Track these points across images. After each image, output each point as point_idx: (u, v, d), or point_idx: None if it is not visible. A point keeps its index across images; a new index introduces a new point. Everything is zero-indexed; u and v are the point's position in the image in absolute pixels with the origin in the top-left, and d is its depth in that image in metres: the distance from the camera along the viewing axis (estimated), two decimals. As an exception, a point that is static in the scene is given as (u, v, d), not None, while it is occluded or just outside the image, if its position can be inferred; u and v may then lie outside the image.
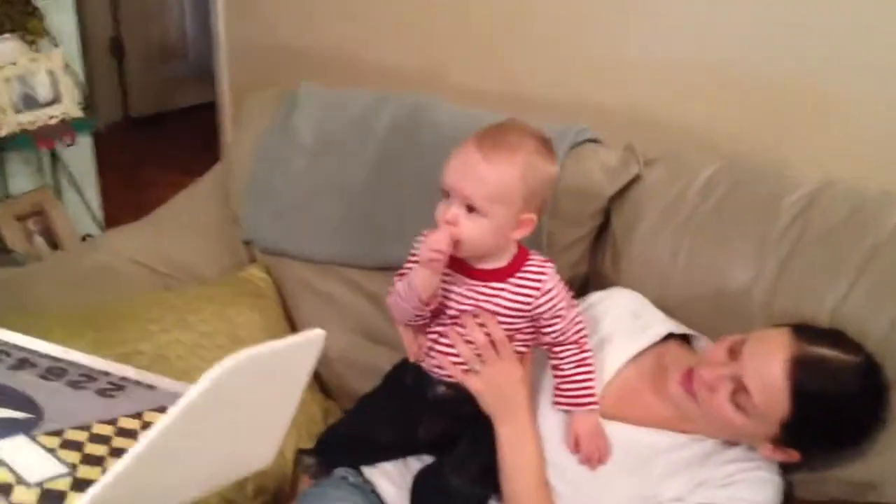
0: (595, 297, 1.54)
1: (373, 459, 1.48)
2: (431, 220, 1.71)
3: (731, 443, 1.32)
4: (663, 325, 1.47)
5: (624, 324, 1.46)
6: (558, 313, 1.33)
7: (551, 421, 1.37)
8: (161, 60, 4.76)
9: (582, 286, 1.68)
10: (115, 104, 4.66)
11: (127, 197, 3.68)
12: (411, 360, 1.41)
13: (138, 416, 0.91)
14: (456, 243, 1.23)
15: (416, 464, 1.44)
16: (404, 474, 1.44)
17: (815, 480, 1.32)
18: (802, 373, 1.21)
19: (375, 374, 1.70)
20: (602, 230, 1.69)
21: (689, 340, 1.49)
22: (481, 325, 1.31)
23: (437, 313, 1.34)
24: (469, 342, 1.32)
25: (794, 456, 1.27)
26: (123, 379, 0.96)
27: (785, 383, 1.21)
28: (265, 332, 1.73)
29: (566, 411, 1.36)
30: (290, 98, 1.92)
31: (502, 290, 1.31)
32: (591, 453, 1.32)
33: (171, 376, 1.01)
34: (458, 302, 1.32)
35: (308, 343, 0.80)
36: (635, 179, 1.65)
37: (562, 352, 1.36)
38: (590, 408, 1.34)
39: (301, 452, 1.57)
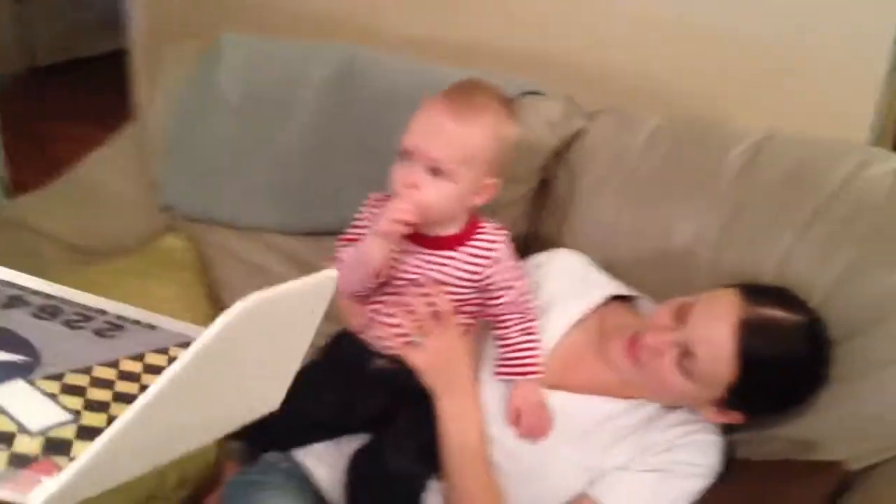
0: (537, 259, 1.47)
1: (305, 441, 1.40)
2: (369, 182, 1.62)
3: (673, 406, 1.29)
4: (606, 286, 1.42)
5: (567, 287, 1.41)
6: (509, 283, 1.28)
7: (490, 393, 1.32)
8: (68, 5, 4.47)
9: (523, 246, 1.61)
10: (18, 53, 4.39)
11: (34, 154, 3.48)
12: (354, 331, 1.34)
13: (140, 357, 0.87)
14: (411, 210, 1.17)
15: (350, 445, 1.36)
16: (337, 456, 1.36)
17: (756, 440, 1.30)
18: (750, 337, 1.17)
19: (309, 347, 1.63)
20: (544, 187, 1.62)
21: (633, 302, 1.44)
22: (426, 295, 1.25)
23: (382, 283, 1.27)
24: (412, 313, 1.25)
25: (737, 418, 1.25)
26: (121, 318, 0.92)
27: (733, 348, 1.17)
28: (187, 306, 1.62)
29: (508, 380, 1.30)
30: (212, 51, 1.79)
31: (452, 258, 1.26)
32: (533, 426, 1.27)
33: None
34: (405, 271, 1.26)
35: (320, 284, 0.77)
36: (579, 134, 1.59)
37: (508, 321, 1.30)
38: (533, 376, 1.29)
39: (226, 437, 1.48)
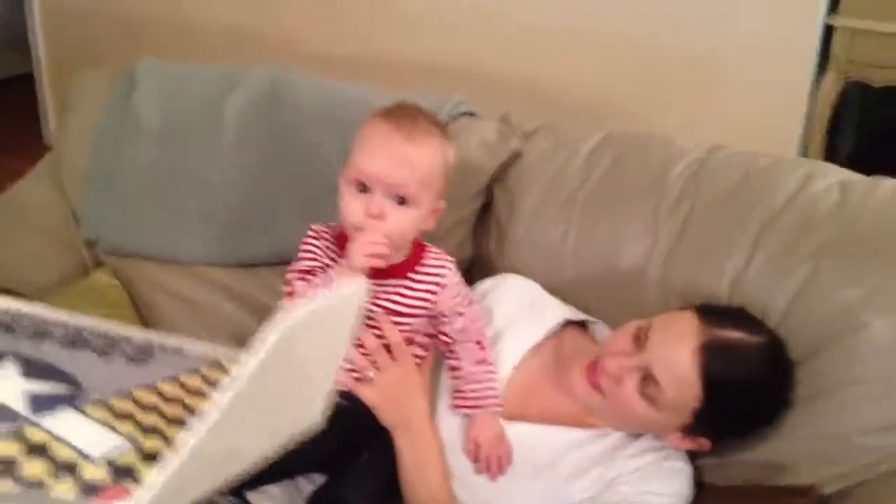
0: (485, 285, 1.44)
1: (257, 482, 1.34)
2: (301, 207, 1.57)
3: (637, 434, 1.26)
4: (559, 311, 1.40)
5: (518, 313, 1.38)
6: (459, 310, 1.25)
7: (447, 424, 1.28)
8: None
9: (466, 272, 1.58)
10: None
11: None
12: None
13: (175, 380, 0.91)
14: (382, 256, 1.14)
15: (307, 485, 1.31)
16: (294, 497, 1.30)
17: (723, 465, 1.28)
18: (712, 360, 1.16)
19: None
20: (484, 211, 1.59)
21: (587, 327, 1.42)
22: (374, 327, 1.21)
23: None
24: (361, 347, 1.21)
25: (704, 444, 1.23)
26: (147, 343, 0.97)
27: (696, 372, 1.15)
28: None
29: (466, 414, 1.26)
30: (127, 78, 1.71)
31: (401, 286, 1.22)
32: (491, 460, 1.24)
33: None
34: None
35: (351, 295, 0.80)
36: (515, 154, 1.56)
37: (461, 351, 1.27)
38: (493, 409, 1.26)
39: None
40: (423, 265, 1.24)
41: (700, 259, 1.37)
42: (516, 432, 1.26)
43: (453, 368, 1.27)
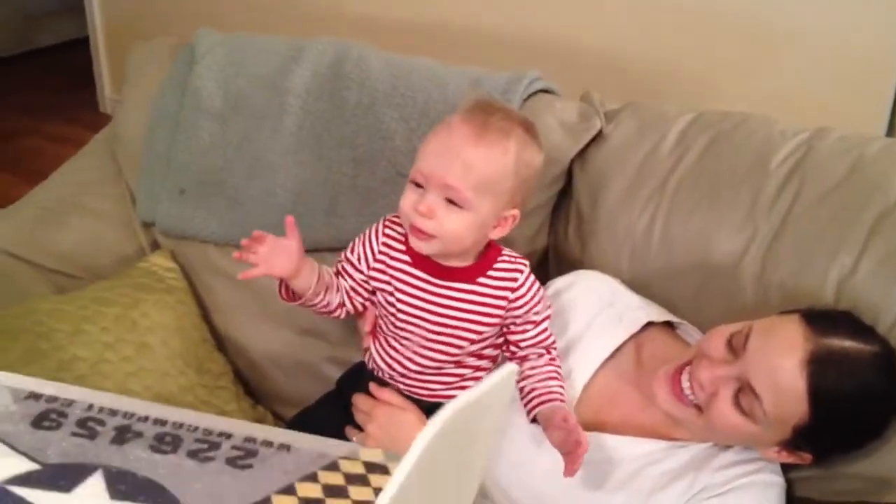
0: (559, 283, 1.33)
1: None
2: (367, 192, 1.48)
3: (726, 445, 1.16)
4: (642, 312, 1.28)
5: (597, 316, 1.27)
6: (532, 318, 1.16)
7: (519, 441, 1.20)
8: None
9: (541, 262, 1.49)
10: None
11: (-4, 150, 3.29)
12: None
13: (291, 491, 0.81)
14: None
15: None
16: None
17: (822, 478, 1.18)
18: (822, 372, 1.04)
19: (309, 374, 1.50)
20: (562, 198, 1.48)
21: (673, 327, 1.31)
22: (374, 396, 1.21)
23: (389, 313, 1.19)
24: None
25: (805, 459, 1.12)
26: (249, 440, 0.88)
27: (802, 386, 1.04)
28: (178, 336, 1.47)
29: (539, 413, 1.15)
30: (187, 50, 1.63)
31: (472, 292, 1.14)
32: (576, 444, 1.08)
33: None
34: (415, 306, 1.15)
35: (503, 381, 0.74)
36: (599, 136, 1.45)
37: (531, 361, 1.19)
38: (561, 404, 1.14)
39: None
40: (496, 269, 1.16)
41: (803, 256, 1.24)
42: (595, 442, 1.16)
43: (522, 380, 1.18)
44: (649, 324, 1.28)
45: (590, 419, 1.19)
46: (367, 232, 1.21)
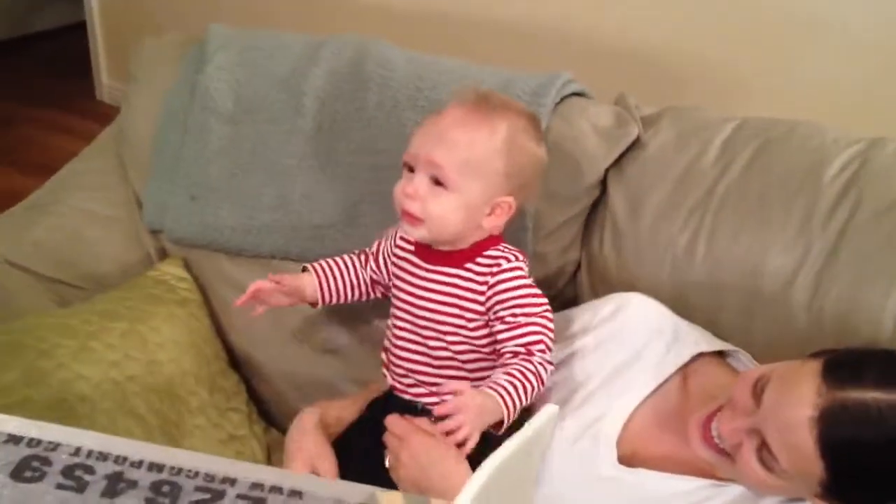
0: (602, 311, 1.23)
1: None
2: (386, 203, 1.42)
3: None
4: (690, 340, 1.20)
5: (644, 347, 1.18)
6: (503, 313, 1.09)
7: (560, 473, 1.11)
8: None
9: (573, 276, 1.41)
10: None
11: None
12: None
13: None
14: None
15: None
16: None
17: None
18: (832, 428, 0.93)
19: (327, 394, 1.42)
20: (597, 209, 1.39)
21: (724, 355, 1.22)
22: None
23: (388, 295, 1.22)
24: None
25: None
26: (256, 486, 0.80)
27: (811, 444, 0.94)
28: (191, 352, 1.40)
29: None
30: (198, 48, 1.54)
31: (456, 276, 1.12)
32: (458, 422, 0.98)
33: (78, 426, 0.89)
34: (409, 292, 1.16)
35: (546, 423, 0.75)
36: (636, 143, 1.36)
37: (505, 360, 1.08)
38: (499, 401, 1.01)
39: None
40: (485, 256, 1.12)
41: (859, 281, 1.16)
42: (633, 479, 1.10)
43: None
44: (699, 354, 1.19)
45: (630, 453, 1.11)
46: (393, 228, 1.23)
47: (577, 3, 2.13)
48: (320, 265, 1.26)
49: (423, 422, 1.13)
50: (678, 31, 2.05)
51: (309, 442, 1.19)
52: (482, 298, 1.11)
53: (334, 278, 1.25)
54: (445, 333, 1.13)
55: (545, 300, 1.11)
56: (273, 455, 1.43)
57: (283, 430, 1.48)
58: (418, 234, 1.10)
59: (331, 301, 1.25)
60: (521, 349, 1.07)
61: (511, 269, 1.11)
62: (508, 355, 1.07)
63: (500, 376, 1.03)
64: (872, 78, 1.94)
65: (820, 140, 1.27)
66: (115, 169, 1.60)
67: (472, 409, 0.98)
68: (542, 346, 1.07)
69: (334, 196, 1.43)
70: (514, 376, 1.03)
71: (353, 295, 1.26)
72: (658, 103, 1.44)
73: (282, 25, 1.85)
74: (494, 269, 1.10)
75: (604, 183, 1.38)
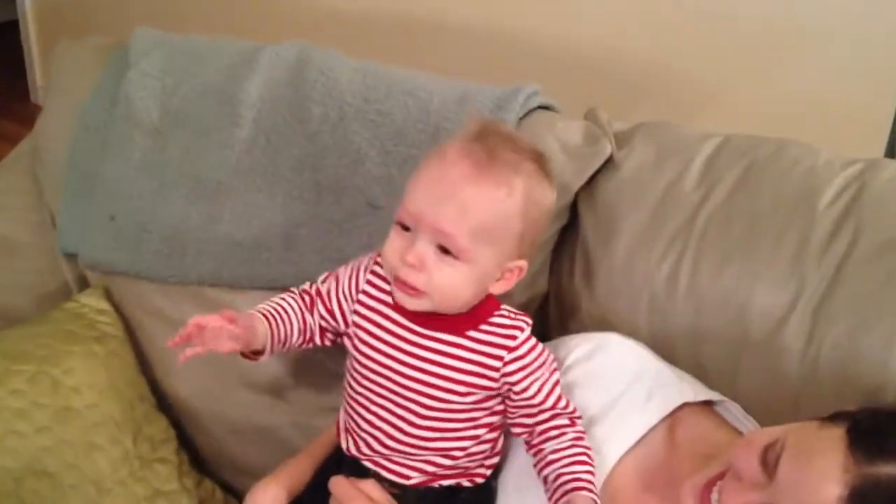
0: (577, 352, 1.09)
1: None
2: (335, 225, 1.31)
3: None
4: (674, 389, 1.06)
5: (622, 394, 1.04)
6: (536, 383, 0.97)
7: None
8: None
9: (539, 311, 1.27)
10: None
11: None
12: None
13: None
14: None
15: None
16: None
17: None
18: None
19: (269, 441, 1.28)
20: (565, 236, 1.26)
21: (710, 403, 1.09)
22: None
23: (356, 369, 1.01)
24: None
25: None
26: None
27: None
28: (110, 396, 1.24)
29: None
30: (121, 54, 1.38)
31: (458, 346, 0.95)
32: None
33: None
34: (387, 355, 0.97)
35: None
36: (609, 163, 1.23)
37: (549, 432, 0.98)
38: (587, 493, 0.94)
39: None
40: (490, 324, 0.96)
41: (861, 320, 1.03)
42: None
43: (539, 455, 0.98)
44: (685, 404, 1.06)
45: None
46: (354, 265, 1.05)
47: (543, 12, 2.02)
48: (266, 309, 1.04)
49: (367, 484, 0.99)
50: (649, 42, 1.95)
51: None
52: (495, 374, 0.96)
53: (283, 324, 1.03)
54: (433, 409, 0.97)
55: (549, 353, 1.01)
56: (209, 510, 1.28)
57: (219, 482, 1.35)
58: (419, 306, 0.94)
59: (275, 352, 1.04)
60: (565, 419, 0.98)
61: (527, 341, 0.97)
62: (553, 432, 0.98)
63: (577, 470, 0.95)
64: (852, 90, 1.86)
65: (812, 161, 1.15)
66: (29, 188, 1.43)
67: None
68: (565, 402, 0.99)
69: (270, 217, 1.28)
70: (587, 464, 0.96)
71: (297, 344, 1.05)
72: (628, 117, 1.32)
73: (235, 31, 1.71)
74: (510, 344, 0.96)
75: (574, 207, 1.25)
